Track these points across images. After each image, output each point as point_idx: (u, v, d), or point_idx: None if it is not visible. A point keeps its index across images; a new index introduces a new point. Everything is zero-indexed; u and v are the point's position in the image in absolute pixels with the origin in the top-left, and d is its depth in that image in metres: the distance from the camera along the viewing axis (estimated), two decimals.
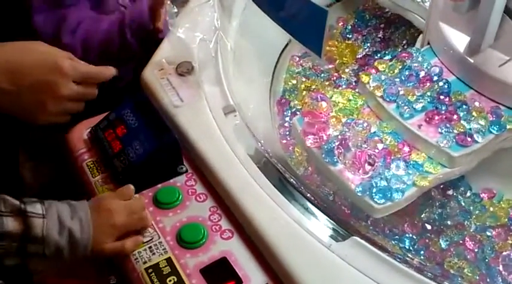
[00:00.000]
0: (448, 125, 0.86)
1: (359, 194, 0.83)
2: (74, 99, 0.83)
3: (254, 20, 1.08)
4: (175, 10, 0.99)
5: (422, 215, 0.90)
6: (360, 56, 1.18)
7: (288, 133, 1.04)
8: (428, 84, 0.92)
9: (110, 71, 0.87)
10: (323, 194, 0.92)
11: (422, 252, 0.86)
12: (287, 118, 1.08)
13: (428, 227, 0.89)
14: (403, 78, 0.93)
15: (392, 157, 0.85)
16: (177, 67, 1.01)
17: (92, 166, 0.92)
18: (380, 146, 0.86)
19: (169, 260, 0.77)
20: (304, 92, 1.10)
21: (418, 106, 0.90)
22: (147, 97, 0.96)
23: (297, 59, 1.21)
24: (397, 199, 0.82)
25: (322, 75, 1.15)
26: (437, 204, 0.91)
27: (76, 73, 0.81)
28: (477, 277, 0.82)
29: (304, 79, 1.13)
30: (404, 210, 0.85)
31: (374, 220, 0.88)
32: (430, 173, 0.84)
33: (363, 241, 0.75)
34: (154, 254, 0.78)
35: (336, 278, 0.72)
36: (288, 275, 0.72)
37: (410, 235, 0.88)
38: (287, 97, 1.13)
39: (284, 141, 1.04)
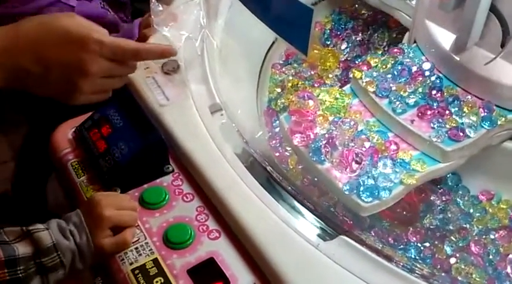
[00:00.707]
0: (440, 120, 0.86)
1: (346, 192, 0.82)
2: (107, 75, 0.76)
3: (240, 18, 1.07)
4: (160, 8, 0.98)
5: (424, 222, 0.89)
6: (342, 59, 1.17)
7: (279, 145, 1.03)
8: (420, 79, 0.92)
9: (148, 51, 0.79)
10: (311, 193, 0.92)
11: (428, 261, 0.85)
12: (277, 130, 1.05)
13: (432, 234, 0.88)
14: (396, 73, 0.93)
15: (379, 156, 0.85)
16: (163, 65, 1.00)
17: (76, 166, 0.91)
18: (367, 144, 0.86)
19: (156, 261, 0.77)
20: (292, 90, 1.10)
21: (411, 101, 0.90)
22: (133, 96, 0.95)
23: (279, 66, 1.18)
24: (385, 197, 0.82)
25: (306, 82, 1.13)
26: (438, 209, 0.91)
27: (103, 49, 0.73)
28: (485, 282, 0.81)
29: (291, 77, 1.13)
30: (405, 217, 0.84)
31: (370, 224, 0.88)
32: (417, 171, 0.84)
33: (350, 240, 0.75)
34: (140, 255, 0.78)
35: (324, 277, 0.72)
36: (275, 275, 0.72)
37: (416, 244, 0.86)
38: (273, 107, 1.10)
39: (277, 154, 1.01)
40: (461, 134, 0.85)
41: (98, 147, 0.89)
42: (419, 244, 0.86)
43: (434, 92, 0.90)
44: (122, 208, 0.80)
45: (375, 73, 0.94)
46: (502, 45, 0.87)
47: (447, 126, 0.86)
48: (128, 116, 0.91)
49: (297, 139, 0.89)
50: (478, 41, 0.89)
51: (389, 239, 0.86)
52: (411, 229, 0.87)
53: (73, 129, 0.96)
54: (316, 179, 0.91)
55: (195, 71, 0.99)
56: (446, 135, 0.85)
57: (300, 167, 0.95)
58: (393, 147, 0.87)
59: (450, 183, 0.95)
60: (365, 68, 0.96)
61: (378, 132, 0.89)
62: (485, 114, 0.86)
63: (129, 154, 0.86)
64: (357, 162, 0.83)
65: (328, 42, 1.21)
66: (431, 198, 0.91)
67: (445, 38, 0.93)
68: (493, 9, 0.86)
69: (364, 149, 0.85)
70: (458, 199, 0.93)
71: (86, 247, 0.75)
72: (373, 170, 0.84)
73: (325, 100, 0.94)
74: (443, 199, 0.92)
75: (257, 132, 1.04)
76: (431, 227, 0.89)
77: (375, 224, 0.87)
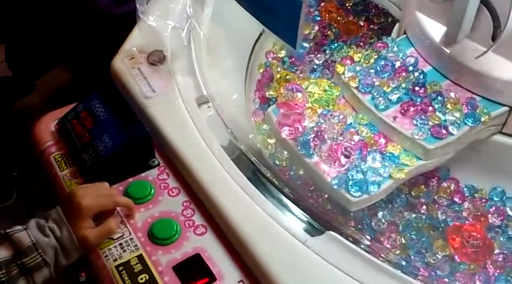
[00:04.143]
0: (423, 117, 0.85)
1: (335, 187, 0.81)
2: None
3: (228, 8, 1.05)
4: None
5: (495, 248, 0.83)
6: None
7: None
8: (403, 74, 0.91)
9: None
10: (298, 187, 0.91)
11: None
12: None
13: (506, 258, 0.82)
14: (379, 69, 0.91)
15: (368, 149, 0.84)
16: (149, 56, 0.98)
17: (59, 159, 0.89)
18: (356, 138, 0.85)
19: (140, 258, 0.75)
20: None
21: (394, 97, 0.88)
22: (117, 88, 0.93)
23: (261, 114, 1.03)
24: (374, 191, 0.81)
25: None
26: (500, 230, 0.87)
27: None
28: None
29: (279, 69, 1.11)
30: (477, 252, 0.80)
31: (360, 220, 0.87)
32: (406, 165, 0.83)
33: (339, 236, 0.74)
34: (125, 251, 0.76)
35: (311, 274, 0.71)
36: (262, 271, 0.71)
37: (505, 276, 0.80)
38: (278, 163, 0.97)
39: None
40: (443, 131, 0.83)
41: (81, 140, 0.87)
42: (508, 276, 0.81)
43: (417, 88, 0.88)
44: (100, 195, 0.79)
45: (358, 68, 0.92)
46: (493, 38, 0.85)
47: (430, 123, 0.85)
48: (113, 108, 0.88)
49: (285, 132, 0.88)
50: (469, 33, 0.88)
51: (477, 281, 0.81)
52: (488, 262, 0.82)
53: (56, 121, 0.94)
54: (304, 173, 0.90)
55: (182, 62, 0.97)
56: (429, 132, 0.84)
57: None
58: (382, 140, 0.86)
59: (496, 199, 0.92)
60: (348, 62, 0.94)
61: (367, 126, 0.88)
62: (469, 111, 0.85)
63: (113, 148, 0.84)
64: (345, 156, 0.82)
65: (293, 70, 1.11)
66: (490, 221, 0.87)
67: (436, 30, 0.92)
68: (484, 2, 0.84)
69: (353, 143, 0.84)
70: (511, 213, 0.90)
71: (68, 241, 0.74)
72: (362, 164, 0.83)
73: (314, 93, 0.92)
74: (500, 218, 0.88)
75: (244, 122, 1.02)
76: (504, 252, 0.84)
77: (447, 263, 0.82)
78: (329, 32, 1.17)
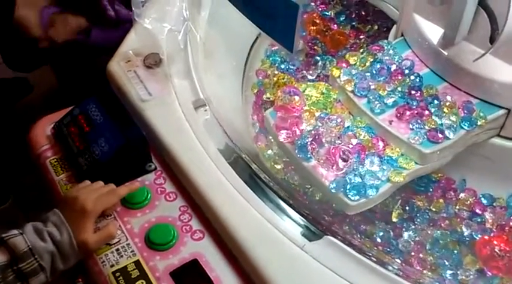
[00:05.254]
0: (419, 121, 0.85)
1: (333, 191, 0.81)
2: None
3: (224, 10, 1.05)
4: None
5: None
6: None
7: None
8: (399, 78, 0.90)
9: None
10: (295, 191, 0.90)
11: None
12: None
13: None
14: (374, 72, 0.91)
15: (366, 153, 0.84)
16: (145, 59, 0.98)
17: (55, 164, 0.89)
18: (354, 141, 0.84)
19: (137, 263, 0.75)
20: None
21: (389, 101, 0.88)
22: (113, 91, 0.93)
23: (263, 139, 1.02)
24: (372, 195, 0.80)
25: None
26: None
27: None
28: None
29: (276, 72, 1.10)
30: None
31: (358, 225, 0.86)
32: (404, 169, 0.83)
33: (337, 241, 0.73)
34: (122, 256, 0.76)
35: (309, 279, 0.70)
36: (260, 276, 0.70)
37: None
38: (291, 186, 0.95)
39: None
40: (440, 136, 0.83)
41: (77, 144, 0.87)
42: None
43: (413, 92, 0.88)
44: (101, 195, 0.78)
45: (353, 71, 0.91)
46: (491, 41, 0.85)
47: (426, 127, 0.84)
48: (109, 112, 0.88)
49: (283, 135, 0.87)
50: (467, 35, 0.88)
51: None
52: None
53: (52, 125, 0.93)
54: (302, 176, 0.89)
55: (178, 65, 0.97)
56: (425, 136, 0.83)
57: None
58: (380, 143, 0.86)
59: None
60: (344, 65, 0.93)
61: (364, 129, 0.87)
62: (465, 115, 0.85)
63: (109, 152, 0.83)
64: (343, 160, 0.81)
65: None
66: None
67: (433, 32, 0.91)
68: (482, 4, 0.84)
69: (351, 146, 0.83)
70: None
71: (68, 246, 0.73)
72: (360, 167, 0.82)
73: (312, 96, 0.92)
74: None
75: (241, 126, 1.01)
76: None
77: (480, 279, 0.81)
78: (315, 47, 1.16)
